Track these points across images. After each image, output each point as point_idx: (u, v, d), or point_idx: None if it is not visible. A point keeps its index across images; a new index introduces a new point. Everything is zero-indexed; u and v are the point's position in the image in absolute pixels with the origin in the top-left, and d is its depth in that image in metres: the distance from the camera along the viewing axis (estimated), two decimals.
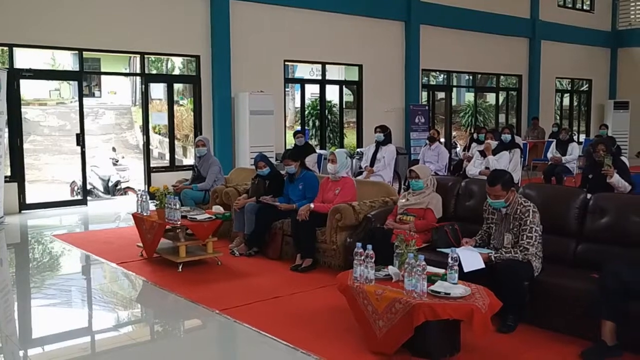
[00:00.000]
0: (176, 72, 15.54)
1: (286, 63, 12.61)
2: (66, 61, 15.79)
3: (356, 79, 13.88)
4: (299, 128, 12.93)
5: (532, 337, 4.28)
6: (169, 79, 12.83)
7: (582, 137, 17.80)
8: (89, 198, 10.68)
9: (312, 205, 6.21)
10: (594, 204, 4.85)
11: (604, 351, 3.88)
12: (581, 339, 4.09)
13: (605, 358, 3.85)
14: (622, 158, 7.66)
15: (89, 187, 11.19)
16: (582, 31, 18.23)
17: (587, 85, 19.63)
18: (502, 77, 17.38)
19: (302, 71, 16.36)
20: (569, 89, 19.59)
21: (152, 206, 6.66)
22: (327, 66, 13.66)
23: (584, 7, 19.00)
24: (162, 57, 14.11)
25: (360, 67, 13.68)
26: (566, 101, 19.55)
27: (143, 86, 11.17)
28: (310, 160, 10.55)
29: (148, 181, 10.81)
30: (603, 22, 19.35)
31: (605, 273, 3.99)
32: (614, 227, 4.67)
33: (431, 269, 4.03)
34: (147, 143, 11.24)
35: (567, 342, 4.14)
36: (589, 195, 4.98)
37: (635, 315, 3.87)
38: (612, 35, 19.52)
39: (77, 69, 10.42)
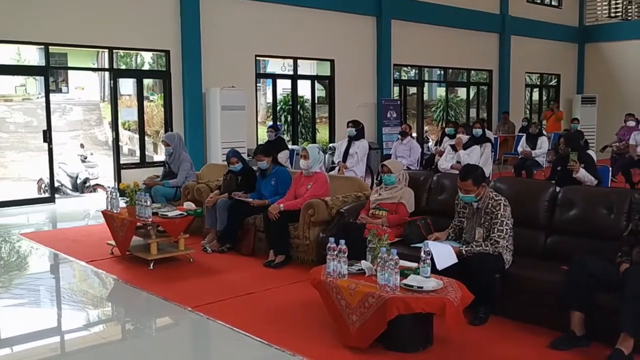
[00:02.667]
0: (146, 67, 15.32)
1: (257, 58, 12.54)
2: (32, 56, 15.44)
3: (328, 74, 13.87)
4: (270, 123, 12.88)
5: (504, 328, 4.34)
6: (138, 75, 12.66)
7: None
8: (56, 196, 10.49)
9: (281, 206, 6.19)
10: (563, 197, 4.93)
11: (572, 341, 3.96)
12: (551, 329, 4.16)
13: (573, 347, 3.93)
14: (590, 152, 7.79)
15: (56, 184, 10.98)
16: (550, 27, 18.49)
17: (555, 80, 19.92)
18: (472, 72, 17.54)
19: (274, 66, 16.28)
20: (538, 83, 19.87)
21: (122, 203, 6.58)
22: (299, 61, 13.62)
23: (552, 3, 19.26)
24: (131, 52, 13.90)
25: (332, 62, 13.67)
26: (535, 96, 19.81)
27: (112, 82, 10.99)
28: (282, 156, 10.52)
29: (118, 178, 10.67)
30: (571, 17, 19.65)
31: (574, 265, 4.06)
32: (581, 219, 4.75)
33: (404, 263, 4.05)
34: (116, 139, 11.08)
35: (537, 332, 4.21)
36: (557, 189, 5.06)
37: (603, 306, 3.95)
38: (580, 30, 19.84)
39: (43, 64, 10.19)
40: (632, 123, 12.11)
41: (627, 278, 3.76)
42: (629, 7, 19.06)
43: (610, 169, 8.16)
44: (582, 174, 6.56)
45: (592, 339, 3.97)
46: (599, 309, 3.97)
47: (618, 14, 19.28)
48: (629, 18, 19.06)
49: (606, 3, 19.48)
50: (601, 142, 15.70)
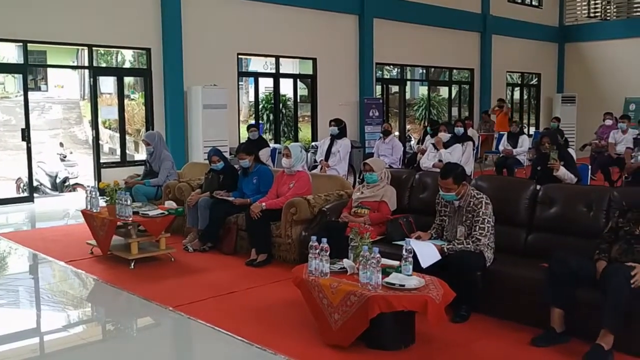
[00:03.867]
0: (127, 65, 15.17)
1: (239, 56, 12.48)
2: (10, 54, 15.22)
3: (310, 72, 13.85)
4: (253, 122, 12.84)
5: (485, 325, 4.36)
6: (118, 72, 12.53)
7: (532, 130, 18.21)
8: (35, 195, 10.36)
9: (263, 205, 6.16)
10: (543, 195, 4.97)
11: (553, 337, 3.99)
12: (532, 326, 4.19)
13: (554, 344, 3.96)
14: (570, 150, 7.86)
15: (35, 183, 10.86)
16: (531, 26, 18.63)
17: (536, 79, 20.09)
18: (454, 70, 17.62)
19: (256, 65, 16.22)
20: (519, 82, 20.02)
21: (102, 202, 6.51)
22: (281, 60, 13.58)
23: (533, 3, 19.41)
24: (112, 49, 13.76)
25: (314, 60, 13.65)
26: (516, 95, 19.97)
27: (91, 79, 10.87)
28: (263, 154, 10.50)
29: (98, 177, 10.56)
30: (551, 17, 19.82)
31: (554, 262, 4.09)
32: (562, 217, 4.79)
33: (386, 261, 4.06)
34: (96, 138, 10.97)
35: (518, 329, 4.24)
36: (538, 187, 5.09)
37: (583, 302, 3.99)
38: (560, 30, 20.03)
39: (22, 62, 10.06)
40: (609, 122, 12.26)
41: (607, 275, 3.80)
42: (608, 7, 19.32)
43: (590, 167, 8.25)
44: (562, 172, 6.62)
45: (571, 335, 4.00)
46: (578, 305, 4.00)
47: (597, 14, 19.54)
48: (608, 18, 19.32)
49: (585, 3, 19.72)
50: (581, 141, 15.89)
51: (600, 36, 18.99)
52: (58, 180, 12.46)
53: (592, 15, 19.67)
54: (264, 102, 15.60)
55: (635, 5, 19.04)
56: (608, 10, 19.36)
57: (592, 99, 18.48)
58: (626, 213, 4.16)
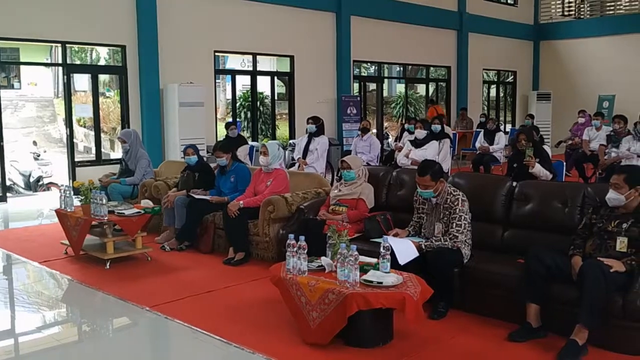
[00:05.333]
0: (101, 62, 14.98)
1: (216, 54, 12.41)
2: None
3: (288, 70, 13.82)
4: (230, 120, 12.77)
5: (463, 321, 4.39)
6: (93, 70, 12.37)
7: (509, 127, 18.39)
8: (8, 194, 10.19)
9: (241, 203, 6.13)
10: (519, 192, 5.01)
11: (529, 333, 4.03)
12: (509, 322, 4.22)
13: (530, 339, 4.00)
14: (545, 147, 7.95)
15: (8, 183, 10.67)
16: (506, 24, 18.81)
17: (512, 76, 20.29)
18: (431, 68, 17.72)
19: (233, 62, 16.14)
20: (495, 80, 20.21)
21: (76, 202, 6.42)
22: (259, 57, 13.54)
23: (509, 1, 19.59)
24: (86, 47, 13.57)
25: (291, 58, 13.62)
26: (493, 92, 20.15)
27: (65, 77, 10.71)
28: (241, 152, 10.46)
29: (73, 176, 10.42)
30: (526, 15, 20.03)
31: (529, 258, 4.13)
32: (537, 213, 4.83)
33: (364, 259, 4.06)
34: (70, 136, 10.81)
35: (495, 325, 4.27)
36: (514, 183, 5.14)
37: (558, 298, 4.04)
38: (535, 28, 20.25)
39: None
40: (582, 119, 12.42)
41: (584, 271, 3.84)
42: (582, 5, 19.57)
43: (565, 163, 8.35)
44: (537, 169, 6.69)
45: (548, 330, 4.05)
46: (554, 300, 4.05)
47: (571, 13, 19.79)
48: (582, 17, 19.57)
49: (560, 2, 19.97)
50: (556, 138, 16.10)
51: (575, 34, 19.25)
52: (32, 180, 12.28)
53: (566, 13, 19.92)
54: (241, 99, 15.53)
55: (609, 4, 19.32)
56: (582, 9, 19.62)
57: (566, 97, 18.73)
58: (599, 209, 4.22)
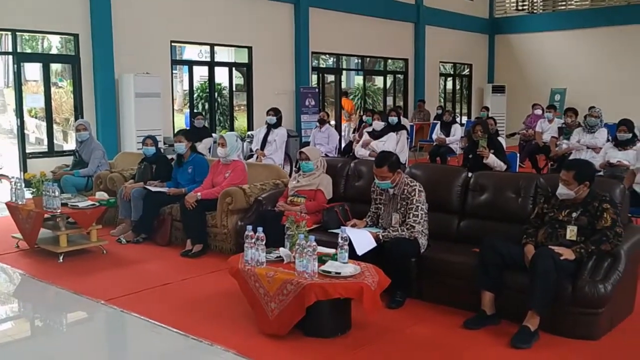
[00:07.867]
0: (54, 51, 14.57)
1: (173, 44, 12.21)
2: None
3: (246, 61, 13.70)
4: (187, 111, 12.61)
5: (420, 310, 4.46)
6: (45, 59, 11.98)
7: (465, 119, 18.68)
8: None
9: (199, 195, 6.08)
10: (474, 182, 5.10)
11: (483, 320, 4.12)
12: (464, 310, 4.30)
13: (484, 326, 4.09)
14: (500, 139, 8.11)
15: None
16: (462, 18, 19.05)
17: (468, 69, 20.59)
18: (389, 60, 17.83)
19: (190, 53, 15.89)
20: (452, 73, 20.47)
21: (28, 194, 6.26)
22: (216, 48, 13.38)
23: None
24: (37, 35, 13.17)
25: (249, 49, 13.50)
26: (449, 85, 20.41)
27: (15, 66, 10.38)
28: (205, 144, 10.39)
29: (24, 167, 10.14)
30: (481, 9, 20.33)
31: (484, 247, 4.22)
32: (492, 203, 4.93)
33: (322, 250, 4.08)
34: (21, 127, 10.50)
35: (451, 313, 4.35)
36: (470, 174, 5.23)
37: (511, 286, 4.14)
38: (490, 22, 20.57)
39: None
40: (538, 111, 12.70)
41: (535, 259, 3.95)
42: (535, 1, 19.97)
43: (518, 155, 8.52)
44: (492, 159, 6.82)
45: (501, 317, 4.15)
46: (507, 288, 4.15)
47: (525, 7, 20.17)
48: (535, 11, 19.98)
49: None
50: (510, 129, 16.44)
51: (528, 29, 19.65)
52: None
53: (520, 8, 20.29)
54: (199, 90, 15.32)
55: (560, 0, 19.78)
56: (535, 4, 20.02)
57: (520, 89, 19.11)
58: (551, 199, 4.34)
